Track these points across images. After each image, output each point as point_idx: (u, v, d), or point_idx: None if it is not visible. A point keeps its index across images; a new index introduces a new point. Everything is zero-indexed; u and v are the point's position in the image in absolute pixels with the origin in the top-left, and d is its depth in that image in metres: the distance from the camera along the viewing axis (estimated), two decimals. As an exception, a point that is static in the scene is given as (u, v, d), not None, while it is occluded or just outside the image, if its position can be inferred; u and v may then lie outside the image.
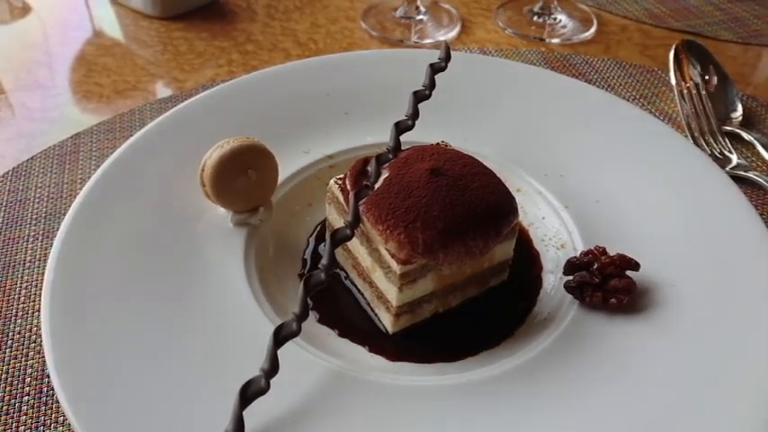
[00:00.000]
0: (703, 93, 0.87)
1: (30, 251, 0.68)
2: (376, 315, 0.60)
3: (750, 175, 0.76)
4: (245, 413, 0.46)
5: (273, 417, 0.48)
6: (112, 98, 0.91)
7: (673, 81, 0.89)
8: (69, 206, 0.62)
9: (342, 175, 0.60)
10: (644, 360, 0.53)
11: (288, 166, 0.69)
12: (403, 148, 0.58)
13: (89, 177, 0.66)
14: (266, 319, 0.55)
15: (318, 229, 0.68)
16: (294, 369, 0.51)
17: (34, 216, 0.72)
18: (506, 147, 0.73)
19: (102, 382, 0.49)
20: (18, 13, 1.12)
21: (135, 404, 0.48)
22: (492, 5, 1.14)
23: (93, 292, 0.55)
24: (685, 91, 0.88)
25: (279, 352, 0.48)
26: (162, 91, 0.93)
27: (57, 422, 0.54)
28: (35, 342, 0.59)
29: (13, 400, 0.55)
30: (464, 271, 0.58)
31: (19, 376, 0.57)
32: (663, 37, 1.06)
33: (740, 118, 0.86)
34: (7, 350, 0.59)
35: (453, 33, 1.07)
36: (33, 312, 0.62)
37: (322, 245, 0.66)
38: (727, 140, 0.82)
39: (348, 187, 0.58)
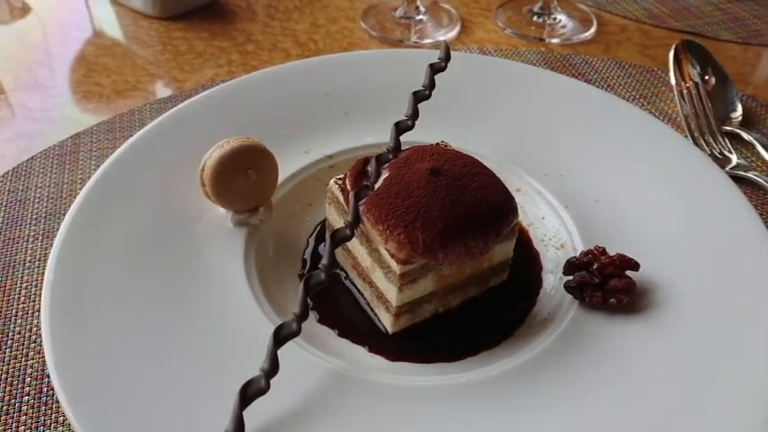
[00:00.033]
0: (703, 93, 0.87)
1: (30, 251, 0.68)
2: (376, 315, 0.60)
3: (750, 175, 0.76)
4: (245, 413, 0.46)
5: (273, 417, 0.48)
6: (112, 98, 0.91)
7: (672, 81, 0.90)
8: (69, 206, 0.62)
9: (342, 175, 0.60)
10: (644, 360, 0.53)
11: (288, 166, 0.69)
12: (403, 148, 0.58)
13: (89, 177, 0.66)
14: (266, 319, 0.55)
15: (318, 229, 0.68)
16: (294, 369, 0.51)
17: (34, 216, 0.72)
18: (506, 147, 0.73)
19: (102, 382, 0.49)
20: (18, 13, 1.12)
21: (135, 404, 0.48)
22: (492, 5, 1.14)
23: (93, 292, 0.55)
24: (685, 91, 0.88)
25: (279, 352, 0.48)
26: (162, 91, 0.93)
27: (57, 422, 0.54)
28: (35, 342, 0.59)
29: (13, 400, 0.55)
30: (464, 271, 0.58)
31: (19, 376, 0.57)
32: (662, 37, 1.06)
33: (740, 118, 0.86)
34: (7, 350, 0.59)
35: (453, 33, 1.07)
36: (33, 312, 0.62)
37: (322, 245, 0.66)
38: (726, 140, 0.82)
39: (348, 187, 0.58)
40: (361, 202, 0.54)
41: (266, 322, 0.55)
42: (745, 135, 0.83)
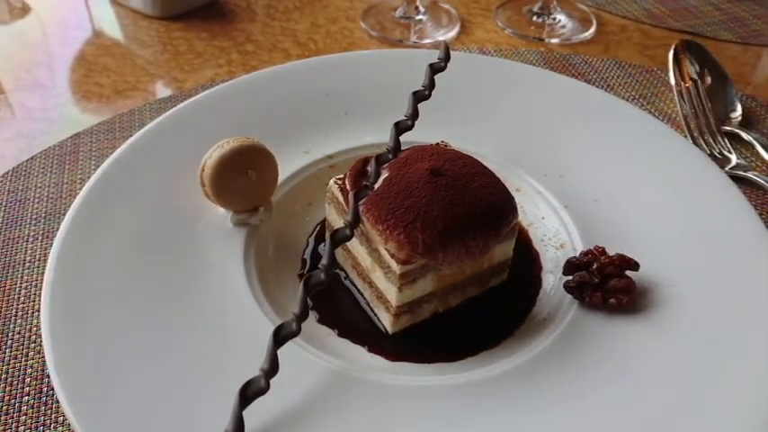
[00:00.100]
0: (703, 93, 0.87)
1: (30, 251, 0.68)
2: (375, 315, 0.60)
3: (749, 175, 0.76)
4: (245, 413, 0.46)
5: (273, 417, 0.48)
6: (112, 98, 0.91)
7: (672, 81, 0.90)
8: (69, 206, 0.62)
9: (341, 175, 0.60)
10: (644, 360, 0.53)
11: (288, 166, 0.69)
12: (403, 148, 0.58)
13: (89, 177, 0.66)
14: (266, 319, 0.55)
15: (318, 229, 0.68)
16: (294, 369, 0.51)
17: (34, 216, 0.72)
18: (506, 147, 0.73)
19: (102, 382, 0.49)
20: (18, 13, 1.12)
21: (135, 404, 0.48)
22: (491, 5, 1.14)
23: (93, 292, 0.55)
24: (684, 91, 0.88)
25: (279, 352, 0.48)
26: (162, 91, 0.93)
27: (57, 422, 0.54)
28: (35, 342, 0.59)
29: (13, 400, 0.55)
30: (464, 271, 0.58)
31: (19, 376, 0.57)
32: (662, 37, 1.06)
33: (739, 118, 0.86)
34: (7, 350, 0.59)
35: (453, 33, 1.07)
36: (33, 312, 0.62)
37: (322, 245, 0.66)
38: (726, 140, 0.82)
39: (348, 187, 0.58)
40: (360, 202, 0.54)
41: (266, 322, 0.55)
42: (744, 135, 0.83)
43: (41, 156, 0.79)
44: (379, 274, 0.57)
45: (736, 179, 0.72)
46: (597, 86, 0.90)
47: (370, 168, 0.56)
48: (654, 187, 0.68)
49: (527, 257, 0.66)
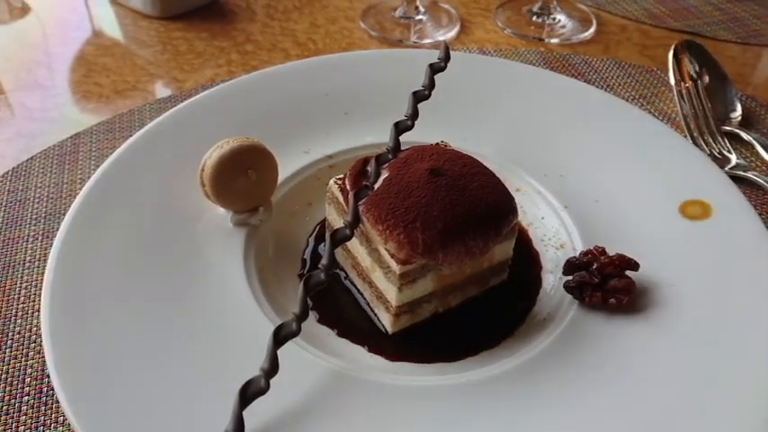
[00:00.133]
0: (702, 93, 0.87)
1: (30, 251, 0.68)
2: (375, 315, 0.60)
3: (749, 174, 0.76)
4: (245, 413, 0.46)
5: (273, 417, 0.48)
6: (112, 98, 0.91)
7: (672, 81, 0.90)
8: (69, 206, 0.62)
9: (341, 175, 0.60)
10: (644, 360, 0.53)
11: (288, 166, 0.69)
12: (402, 148, 0.58)
13: (89, 177, 0.66)
14: (266, 319, 0.55)
15: (318, 229, 0.68)
16: (294, 369, 0.51)
17: (34, 216, 0.72)
18: (506, 147, 0.73)
19: (102, 382, 0.49)
20: (17, 13, 1.11)
21: (135, 404, 0.48)
22: (491, 5, 1.14)
23: (93, 292, 0.55)
24: (684, 91, 0.88)
25: (279, 352, 0.48)
26: (161, 91, 0.93)
27: (57, 422, 0.54)
28: (35, 342, 0.59)
29: (13, 400, 0.55)
30: (464, 271, 0.58)
31: (19, 376, 0.57)
32: (662, 37, 1.06)
33: (739, 118, 0.86)
34: (7, 350, 0.59)
35: (452, 33, 1.07)
36: (33, 312, 0.62)
37: (322, 245, 0.66)
38: (726, 140, 0.82)
39: (348, 187, 0.58)
40: (360, 202, 0.54)
41: (266, 322, 0.55)
42: (744, 135, 0.83)
43: (41, 156, 0.79)
44: (378, 274, 0.57)
45: (736, 179, 0.72)
46: (597, 86, 0.90)
47: (370, 168, 0.56)
48: (654, 187, 0.68)
49: (527, 257, 0.66)
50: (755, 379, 0.51)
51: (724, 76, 0.90)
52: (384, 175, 0.57)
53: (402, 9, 1.09)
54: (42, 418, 0.54)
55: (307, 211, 0.70)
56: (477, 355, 0.56)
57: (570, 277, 0.59)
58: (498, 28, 1.08)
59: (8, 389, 0.56)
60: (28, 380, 0.56)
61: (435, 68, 0.61)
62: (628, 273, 0.58)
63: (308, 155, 0.72)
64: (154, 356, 0.51)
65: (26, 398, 0.55)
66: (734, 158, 0.79)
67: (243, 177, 0.61)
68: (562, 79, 0.82)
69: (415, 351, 0.57)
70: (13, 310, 0.62)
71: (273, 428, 0.48)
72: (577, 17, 1.11)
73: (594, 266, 0.58)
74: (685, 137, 0.82)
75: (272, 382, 0.47)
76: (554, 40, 1.05)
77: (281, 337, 0.49)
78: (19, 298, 0.63)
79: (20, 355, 0.58)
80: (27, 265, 0.66)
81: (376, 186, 0.56)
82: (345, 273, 0.64)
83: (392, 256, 0.53)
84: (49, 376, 0.54)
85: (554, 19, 1.09)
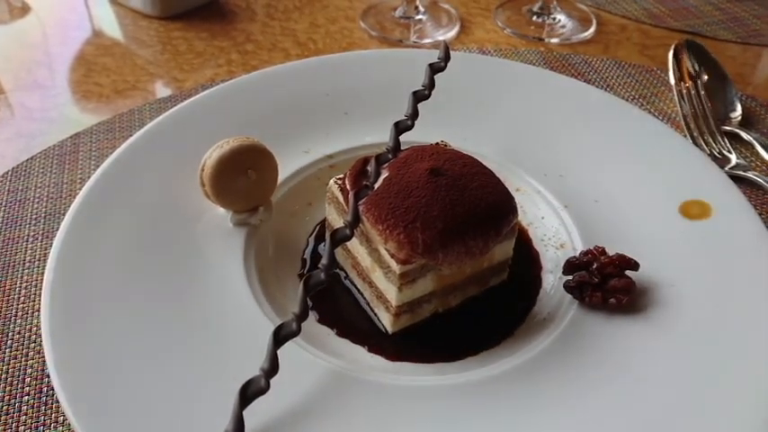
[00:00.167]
0: (702, 93, 0.87)
1: (30, 251, 0.68)
2: (375, 315, 0.60)
3: (749, 174, 0.76)
4: (245, 413, 0.46)
5: (273, 417, 0.48)
6: (112, 98, 0.91)
7: (672, 81, 0.90)
8: (69, 206, 0.62)
9: (341, 175, 0.60)
10: (644, 360, 0.53)
11: (288, 166, 0.69)
12: (402, 148, 0.58)
13: (89, 177, 0.66)
14: (266, 319, 0.55)
15: (318, 229, 0.68)
16: (294, 369, 0.51)
17: (34, 216, 0.72)
18: (506, 147, 0.73)
19: (102, 382, 0.49)
20: (17, 12, 1.11)
21: (135, 404, 0.48)
22: (491, 5, 1.14)
23: (93, 292, 0.55)
24: (684, 91, 0.88)
25: (279, 352, 0.48)
26: (161, 91, 0.93)
27: (57, 422, 0.54)
28: (35, 342, 0.59)
29: (13, 400, 0.55)
30: (464, 271, 0.58)
31: (19, 376, 0.57)
32: (662, 37, 1.06)
33: (739, 118, 0.86)
34: (7, 350, 0.59)
35: (452, 33, 1.07)
36: (33, 312, 0.62)
37: (322, 245, 0.66)
38: (726, 140, 0.82)
39: (348, 187, 0.58)
40: (360, 202, 0.54)
41: (266, 322, 0.55)
42: (744, 135, 0.83)
43: (41, 156, 0.79)
44: (378, 274, 0.57)
45: (736, 179, 0.72)
46: (597, 86, 0.90)
47: (370, 168, 0.56)
48: (654, 187, 0.68)
49: (527, 257, 0.66)
50: (755, 379, 0.51)
51: (724, 76, 0.90)
52: (384, 174, 0.57)
53: (402, 9, 1.09)
54: (42, 418, 0.54)
55: (307, 210, 0.70)
56: (477, 355, 0.56)
57: (570, 277, 0.59)
58: (498, 28, 1.08)
59: (8, 389, 0.56)
60: (28, 380, 0.56)
61: (435, 68, 0.61)
62: (628, 273, 0.58)
63: (308, 155, 0.72)
64: (154, 356, 0.51)
65: (26, 398, 0.55)
66: (734, 158, 0.79)
67: (243, 177, 0.61)
68: (562, 79, 0.82)
69: (415, 351, 0.57)
70: (13, 310, 0.62)
71: (273, 428, 0.48)
72: (577, 17, 1.11)
73: (594, 266, 0.58)
74: (685, 137, 0.82)
75: (272, 382, 0.47)
76: (554, 40, 1.05)
77: (281, 336, 0.49)
78: (19, 298, 0.63)
79: (20, 355, 0.58)
80: (27, 265, 0.66)
81: (376, 186, 0.56)
82: (345, 273, 0.64)
83: (392, 255, 0.53)
84: (48, 376, 0.54)
85: (554, 19, 1.09)
